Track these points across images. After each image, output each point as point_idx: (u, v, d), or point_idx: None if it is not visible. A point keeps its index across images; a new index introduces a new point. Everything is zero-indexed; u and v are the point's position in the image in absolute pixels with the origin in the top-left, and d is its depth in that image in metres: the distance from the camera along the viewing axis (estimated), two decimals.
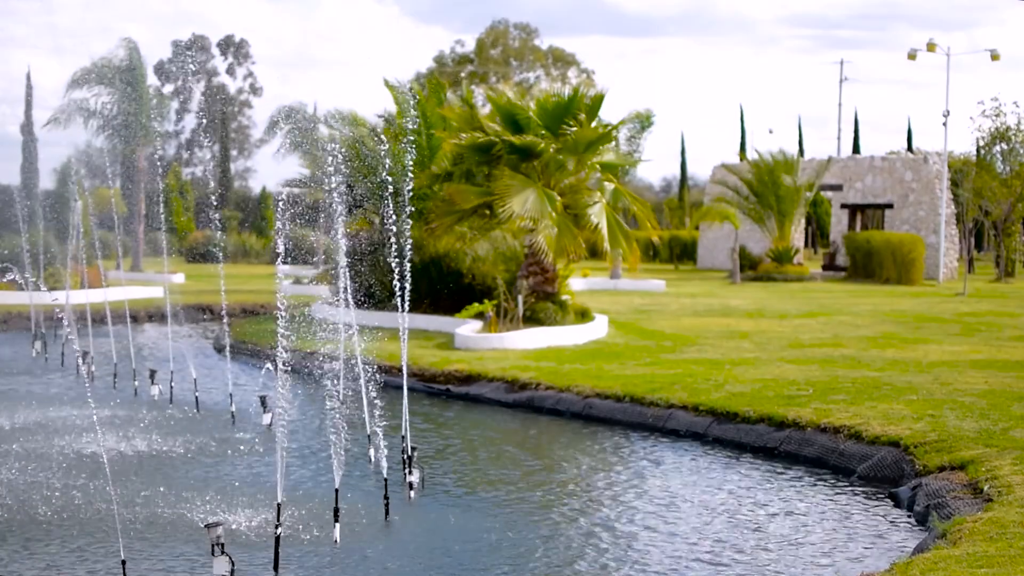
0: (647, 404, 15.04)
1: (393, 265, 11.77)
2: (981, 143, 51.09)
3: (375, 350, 13.14)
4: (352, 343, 11.84)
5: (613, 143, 24.78)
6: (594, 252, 60.82)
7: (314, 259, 38.55)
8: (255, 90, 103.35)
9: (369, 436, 11.80)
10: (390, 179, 12.85)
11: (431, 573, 8.57)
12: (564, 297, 23.17)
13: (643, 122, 40.89)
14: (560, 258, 23.07)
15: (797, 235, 52.95)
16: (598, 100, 23.25)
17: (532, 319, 21.81)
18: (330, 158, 12.08)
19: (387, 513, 9.94)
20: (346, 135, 27.99)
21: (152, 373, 16.85)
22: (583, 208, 22.54)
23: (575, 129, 22.54)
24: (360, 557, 8.87)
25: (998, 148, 50.10)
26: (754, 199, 48.36)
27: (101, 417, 14.03)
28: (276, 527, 8.32)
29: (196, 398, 15.90)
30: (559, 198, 22.45)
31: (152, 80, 70.84)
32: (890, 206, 51.26)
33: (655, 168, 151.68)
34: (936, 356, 18.94)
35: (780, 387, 15.36)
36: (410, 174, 14.51)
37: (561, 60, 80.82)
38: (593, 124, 23.24)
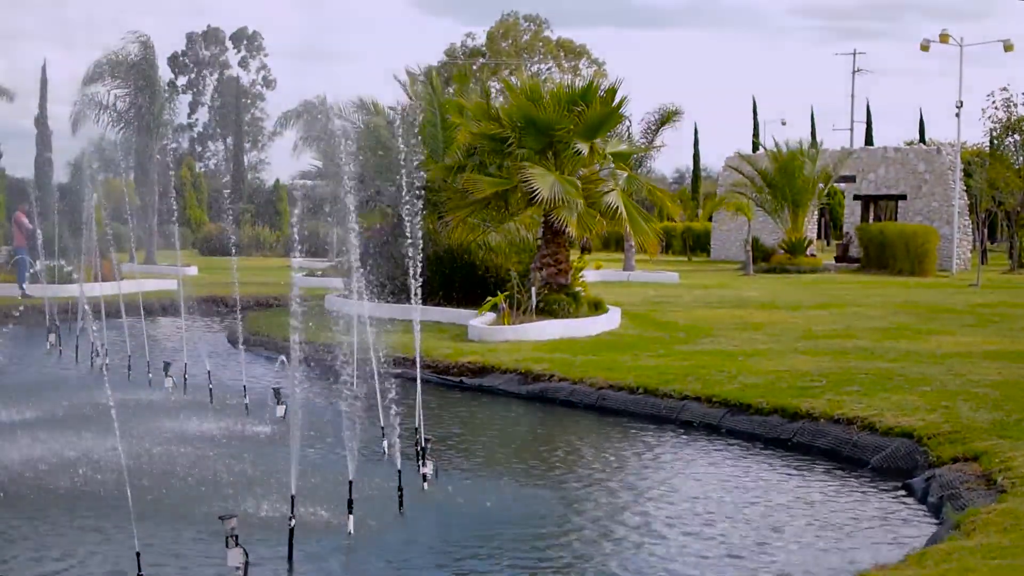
0: (660, 396, 15.03)
1: (407, 257, 11.78)
2: (994, 134, 50.91)
3: (388, 342, 13.16)
4: (365, 335, 11.85)
5: (626, 130, 24.67)
6: (607, 243, 60.31)
7: (327, 251, 38.52)
8: (268, 82, 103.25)
9: (382, 428, 11.82)
10: (404, 171, 12.84)
11: (445, 564, 8.60)
12: (577, 289, 23.15)
13: (665, 117, 40.75)
14: (582, 233, 22.98)
15: (810, 226, 52.87)
16: (612, 91, 23.18)
17: (545, 311, 21.80)
18: (344, 149, 12.08)
19: (401, 504, 9.96)
20: (366, 120, 27.93)
21: (166, 365, 16.88)
22: (599, 196, 22.49)
23: (588, 111, 22.45)
24: (374, 548, 8.89)
25: (1011, 139, 49.91)
26: (769, 190, 48.21)
27: (115, 409, 14.06)
28: (290, 519, 8.35)
29: (210, 390, 15.94)
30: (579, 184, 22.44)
31: (166, 72, 70.79)
32: (903, 197, 51.14)
33: (668, 159, 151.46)
34: (950, 347, 18.90)
35: (793, 378, 15.35)
36: (420, 165, 14.48)
37: (571, 52, 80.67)
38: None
